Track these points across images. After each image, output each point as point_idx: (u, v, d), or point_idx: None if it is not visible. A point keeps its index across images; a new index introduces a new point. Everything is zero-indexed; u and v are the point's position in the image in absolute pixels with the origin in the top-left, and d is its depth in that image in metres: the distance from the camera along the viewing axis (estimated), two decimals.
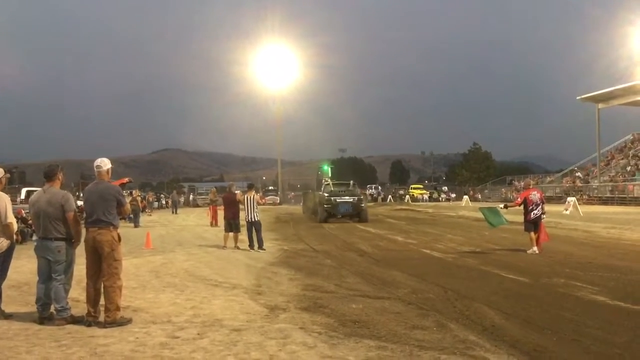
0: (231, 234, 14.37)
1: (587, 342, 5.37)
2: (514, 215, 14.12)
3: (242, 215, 14.37)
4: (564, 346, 5.25)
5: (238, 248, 13.99)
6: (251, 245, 13.98)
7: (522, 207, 12.61)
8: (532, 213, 12.32)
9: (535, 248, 12.16)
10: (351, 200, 25.65)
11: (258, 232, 14.07)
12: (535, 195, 12.53)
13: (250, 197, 14.09)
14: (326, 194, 26.23)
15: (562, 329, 5.85)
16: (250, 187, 14.84)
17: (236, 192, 15.16)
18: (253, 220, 13.98)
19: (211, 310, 6.75)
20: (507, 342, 5.38)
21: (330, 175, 33.70)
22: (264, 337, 5.43)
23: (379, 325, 6.02)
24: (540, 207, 12.42)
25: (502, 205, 13.88)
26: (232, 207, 14.61)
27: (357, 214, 25.72)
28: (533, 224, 12.34)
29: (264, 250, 13.76)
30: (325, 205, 25.63)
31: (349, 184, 28.70)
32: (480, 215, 14.84)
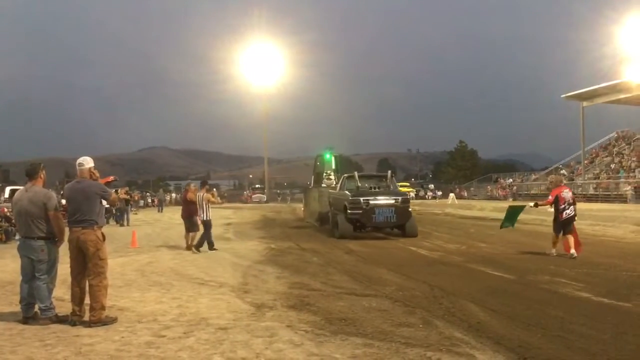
0: (191, 233, 13.62)
1: (571, 338, 5.42)
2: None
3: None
4: (549, 342, 5.29)
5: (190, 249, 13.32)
6: (196, 245, 13.17)
7: (552, 206, 11.61)
8: (564, 212, 11.25)
9: (554, 250, 11.33)
10: (392, 202, 16.34)
11: (206, 231, 13.36)
12: (567, 193, 11.48)
13: (201, 196, 13.41)
14: (350, 193, 17.02)
15: (547, 325, 5.89)
16: (203, 184, 14.11)
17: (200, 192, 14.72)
18: (204, 219, 13.30)
19: (197, 309, 6.73)
20: (492, 338, 5.41)
21: (334, 166, 23.82)
22: (250, 335, 5.42)
23: (366, 322, 6.03)
24: (572, 206, 11.38)
25: (532, 204, 12.64)
26: (185, 206, 14.06)
27: (400, 225, 16.57)
28: (563, 225, 11.28)
29: (215, 250, 13.07)
30: (351, 211, 16.35)
31: (386, 176, 19.24)
32: (467, 212, 14.86)
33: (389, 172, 19.48)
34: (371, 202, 16.24)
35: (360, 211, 16.18)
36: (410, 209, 16.80)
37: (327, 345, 5.08)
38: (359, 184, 17.77)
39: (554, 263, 10.44)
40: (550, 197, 11.63)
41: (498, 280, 8.94)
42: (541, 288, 8.13)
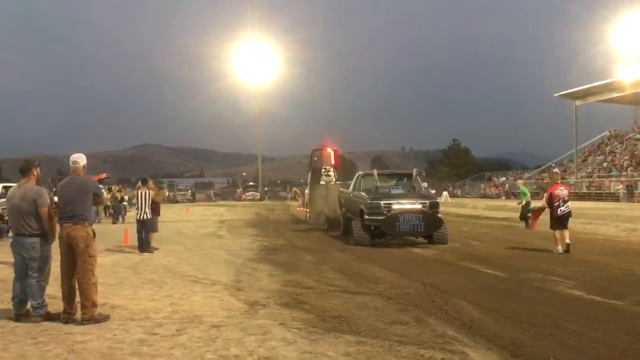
0: (151, 233, 12.84)
1: (563, 336, 5.44)
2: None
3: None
4: (541, 340, 5.31)
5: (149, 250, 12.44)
6: (140, 247, 12.34)
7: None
8: (558, 209, 11.59)
9: (559, 247, 11.48)
10: (419, 207, 13.62)
11: (146, 232, 12.50)
12: (562, 191, 11.82)
13: (142, 194, 12.56)
14: (367, 195, 14.47)
15: (539, 323, 5.92)
16: (144, 182, 13.13)
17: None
18: (143, 218, 12.43)
19: (190, 306, 6.71)
20: (485, 336, 5.43)
21: (333, 162, 21.57)
22: (243, 333, 5.41)
23: (359, 320, 6.03)
24: (567, 204, 11.71)
25: (540, 206, 12.91)
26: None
27: (428, 234, 13.88)
28: (560, 222, 11.63)
29: (151, 253, 12.11)
30: (369, 217, 13.80)
31: (411, 175, 16.20)
32: (460, 210, 14.85)
33: (414, 170, 16.50)
34: (394, 206, 13.56)
35: (381, 217, 13.49)
36: (439, 215, 14.17)
37: (320, 343, 5.08)
38: (380, 184, 15.10)
39: (545, 261, 10.48)
40: (545, 197, 12.06)
41: (491, 278, 8.97)
42: (534, 286, 8.16)
